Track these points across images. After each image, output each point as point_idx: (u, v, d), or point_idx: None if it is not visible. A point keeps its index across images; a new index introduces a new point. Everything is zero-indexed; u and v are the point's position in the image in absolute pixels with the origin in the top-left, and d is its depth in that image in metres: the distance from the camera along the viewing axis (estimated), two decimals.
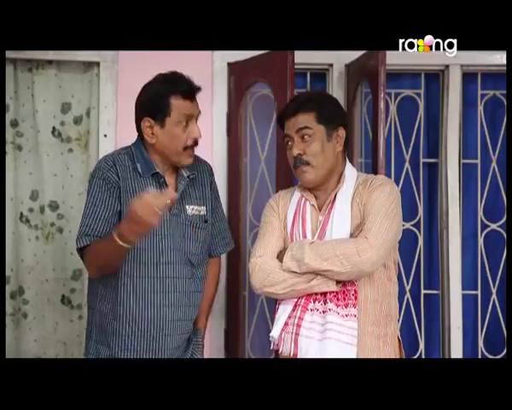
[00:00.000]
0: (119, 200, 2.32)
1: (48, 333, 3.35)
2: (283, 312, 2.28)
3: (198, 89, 2.37)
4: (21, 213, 3.36)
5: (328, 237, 2.26)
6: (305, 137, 2.29)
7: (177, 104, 2.32)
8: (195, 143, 2.37)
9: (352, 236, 2.25)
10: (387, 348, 2.27)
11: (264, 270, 2.28)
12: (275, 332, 2.28)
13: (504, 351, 3.44)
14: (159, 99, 2.32)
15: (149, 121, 2.33)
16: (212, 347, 3.28)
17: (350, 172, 2.35)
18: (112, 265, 2.28)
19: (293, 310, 2.26)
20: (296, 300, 2.26)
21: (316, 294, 2.24)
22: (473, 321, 3.51)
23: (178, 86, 2.33)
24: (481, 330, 3.50)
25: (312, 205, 2.35)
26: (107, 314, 2.35)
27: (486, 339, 3.50)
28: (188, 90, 2.34)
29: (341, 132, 2.34)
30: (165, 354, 2.33)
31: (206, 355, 2.54)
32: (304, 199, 2.37)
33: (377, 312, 2.26)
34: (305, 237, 2.29)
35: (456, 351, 3.41)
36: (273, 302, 2.35)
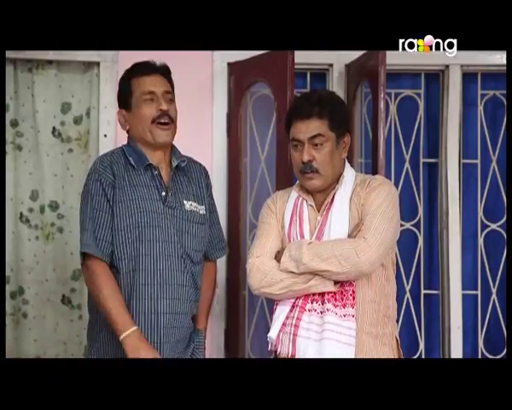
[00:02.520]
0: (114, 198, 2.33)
1: (48, 333, 3.35)
2: (281, 312, 2.27)
3: (161, 67, 2.41)
4: (21, 213, 3.36)
5: (327, 237, 2.25)
6: (318, 144, 2.26)
7: (137, 82, 2.39)
8: (165, 115, 2.35)
9: (350, 236, 2.24)
10: (385, 348, 2.27)
11: (261, 270, 2.27)
12: (272, 333, 2.27)
13: (504, 351, 3.43)
14: (122, 85, 2.42)
15: (120, 111, 2.42)
16: (212, 347, 3.27)
17: (348, 172, 2.34)
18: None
19: (291, 311, 2.25)
20: (294, 300, 2.26)
21: (313, 294, 2.23)
22: (473, 321, 3.51)
23: (138, 68, 2.41)
24: (481, 330, 3.49)
25: (310, 205, 2.34)
26: None
27: (486, 339, 3.50)
28: (145, 68, 2.40)
29: (347, 139, 2.34)
30: (168, 347, 2.31)
31: (206, 355, 2.54)
32: (301, 199, 2.36)
33: (375, 312, 2.25)
34: (302, 237, 2.29)
35: (456, 351, 3.40)
36: (273, 302, 2.35)
